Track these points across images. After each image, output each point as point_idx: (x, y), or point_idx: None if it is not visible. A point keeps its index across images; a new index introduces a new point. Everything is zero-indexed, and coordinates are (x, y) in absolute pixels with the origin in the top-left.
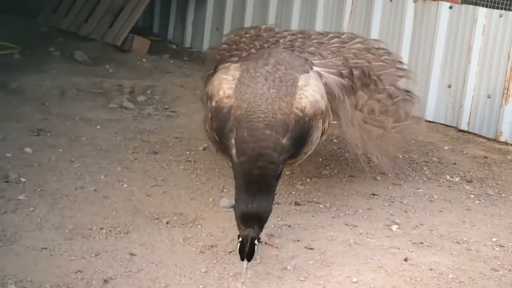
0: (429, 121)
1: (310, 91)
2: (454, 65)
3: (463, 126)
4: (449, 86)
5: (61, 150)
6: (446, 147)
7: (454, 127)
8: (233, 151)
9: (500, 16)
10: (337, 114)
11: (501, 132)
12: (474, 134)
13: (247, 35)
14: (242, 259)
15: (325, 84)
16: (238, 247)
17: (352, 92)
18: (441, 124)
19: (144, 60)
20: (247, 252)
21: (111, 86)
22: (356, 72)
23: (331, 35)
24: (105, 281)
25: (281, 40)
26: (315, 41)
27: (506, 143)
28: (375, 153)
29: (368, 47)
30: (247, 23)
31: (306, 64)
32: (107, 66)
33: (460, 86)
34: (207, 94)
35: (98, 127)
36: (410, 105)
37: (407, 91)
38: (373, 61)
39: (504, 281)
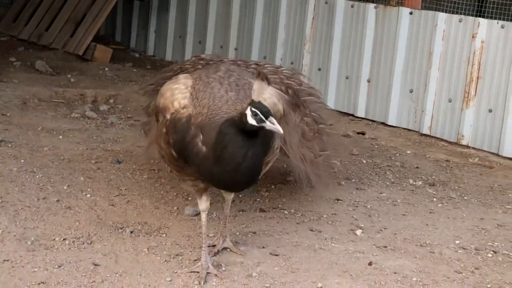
0: (392, 126)
1: (267, 95)
2: (415, 70)
3: (425, 130)
4: (411, 91)
5: (23, 160)
6: (408, 151)
7: (416, 131)
8: (204, 149)
9: (460, 21)
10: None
11: (463, 136)
12: (436, 138)
13: (190, 61)
14: (267, 117)
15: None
16: (254, 116)
17: (294, 108)
18: (403, 128)
19: (106, 69)
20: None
21: (73, 95)
22: (290, 91)
23: (262, 62)
24: None
25: (225, 60)
26: (253, 63)
27: (467, 147)
28: (312, 176)
29: (293, 74)
30: (210, 29)
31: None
32: (69, 76)
33: (422, 90)
34: (159, 107)
35: (61, 137)
36: (330, 135)
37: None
38: (300, 86)
39: (467, 282)
